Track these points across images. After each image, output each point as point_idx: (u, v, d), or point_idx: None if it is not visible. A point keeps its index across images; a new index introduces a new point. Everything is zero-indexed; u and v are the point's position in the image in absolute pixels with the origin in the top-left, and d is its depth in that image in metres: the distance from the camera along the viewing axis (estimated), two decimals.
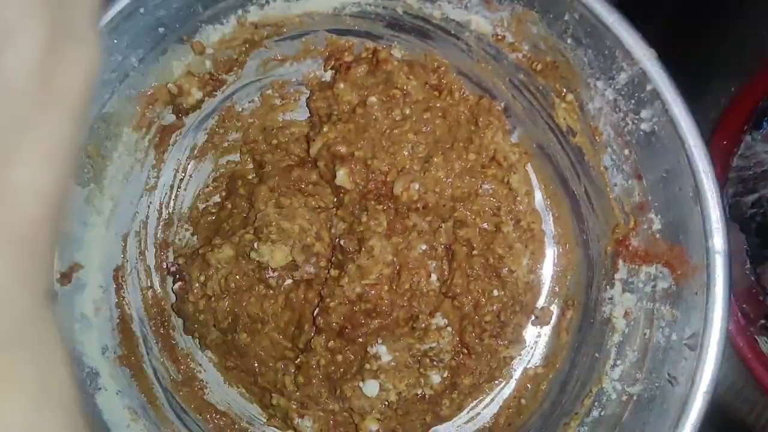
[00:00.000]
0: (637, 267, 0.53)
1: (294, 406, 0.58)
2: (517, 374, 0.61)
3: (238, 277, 0.58)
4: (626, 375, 0.52)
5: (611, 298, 0.55)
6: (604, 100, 0.51)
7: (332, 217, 0.58)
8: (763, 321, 0.72)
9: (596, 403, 0.53)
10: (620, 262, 0.54)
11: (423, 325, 0.55)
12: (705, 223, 0.48)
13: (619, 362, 0.53)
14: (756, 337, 0.72)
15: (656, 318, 0.51)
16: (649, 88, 0.49)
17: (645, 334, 0.51)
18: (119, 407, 0.56)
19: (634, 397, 0.51)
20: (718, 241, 0.47)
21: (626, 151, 0.52)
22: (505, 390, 0.61)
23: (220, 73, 0.59)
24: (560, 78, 0.53)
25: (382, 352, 0.54)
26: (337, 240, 0.56)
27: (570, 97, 0.53)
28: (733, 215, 0.74)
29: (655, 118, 0.49)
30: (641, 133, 0.50)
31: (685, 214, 0.49)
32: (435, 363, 0.56)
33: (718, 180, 0.49)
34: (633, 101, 0.50)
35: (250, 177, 0.62)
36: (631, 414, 0.51)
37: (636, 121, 0.50)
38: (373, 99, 0.57)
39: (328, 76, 0.61)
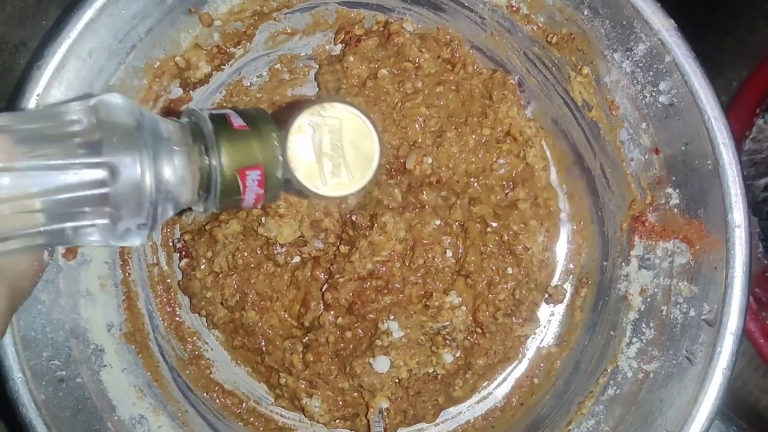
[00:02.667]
0: (653, 243, 0.52)
1: (302, 386, 0.57)
2: (530, 353, 0.60)
3: (246, 253, 0.57)
4: (642, 352, 0.51)
5: (627, 275, 0.54)
6: (622, 72, 0.51)
7: None
8: None
9: (611, 382, 0.52)
10: (636, 238, 0.53)
11: (437, 303, 0.54)
12: (724, 196, 0.47)
13: (635, 340, 0.52)
14: None
15: (674, 294, 0.50)
16: (667, 59, 0.48)
17: (662, 311, 0.51)
18: (125, 385, 0.55)
19: (651, 375, 0.50)
20: (737, 214, 0.47)
21: (644, 125, 0.51)
22: (518, 369, 0.60)
23: (228, 46, 0.58)
24: (576, 50, 0.52)
25: (394, 328, 0.53)
26: (349, 215, 0.55)
27: (586, 70, 0.52)
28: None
29: (673, 90, 0.48)
30: (659, 105, 0.49)
31: (704, 187, 0.48)
32: (448, 342, 0.55)
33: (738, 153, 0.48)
34: (651, 73, 0.49)
35: None
36: (648, 392, 0.50)
37: (654, 94, 0.50)
38: (384, 72, 0.56)
39: (338, 49, 0.60)
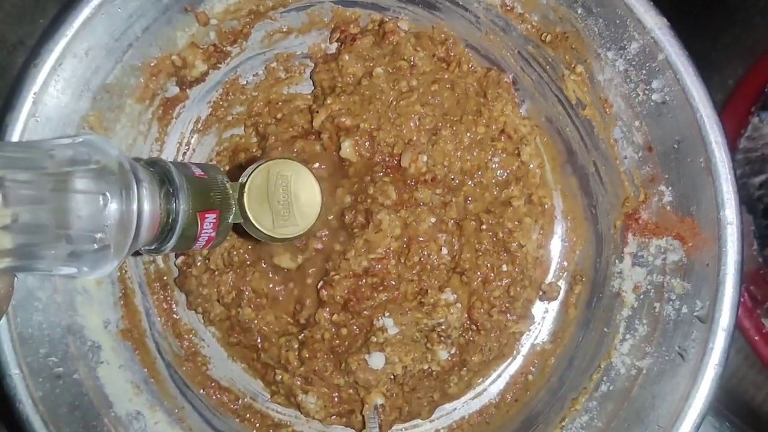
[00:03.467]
0: (647, 240, 0.52)
1: (298, 383, 0.57)
2: (524, 350, 0.60)
3: (241, 251, 0.57)
4: (636, 349, 0.52)
5: (620, 273, 0.54)
6: (615, 70, 0.51)
7: (336, 189, 0.57)
8: None
9: (605, 378, 0.53)
10: (630, 235, 0.53)
11: (432, 300, 0.54)
12: (716, 194, 0.47)
13: (628, 336, 0.52)
14: (762, 319, 0.71)
15: (666, 291, 0.50)
16: (660, 57, 0.48)
17: (655, 308, 0.51)
18: (121, 381, 0.55)
19: (644, 371, 0.51)
20: (729, 212, 0.47)
21: (637, 123, 0.51)
22: (512, 366, 0.60)
23: (224, 44, 0.59)
24: (570, 49, 0.53)
25: (389, 324, 0.54)
26: (343, 213, 0.55)
27: (580, 68, 0.53)
28: (740, 197, 0.74)
29: (666, 89, 0.49)
30: (652, 103, 0.50)
31: (696, 185, 0.48)
32: (443, 339, 0.55)
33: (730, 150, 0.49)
34: (644, 71, 0.49)
35: (253, 150, 0.61)
36: (641, 388, 0.50)
37: (647, 92, 0.50)
38: (379, 70, 0.56)
39: (333, 48, 0.60)
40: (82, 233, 0.35)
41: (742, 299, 0.69)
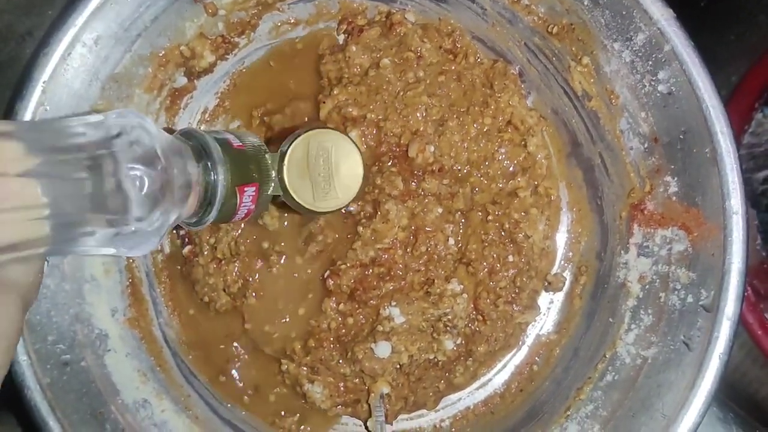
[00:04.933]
0: (652, 231, 0.52)
1: (304, 372, 0.57)
2: (529, 341, 0.60)
3: (248, 240, 0.57)
4: (641, 339, 0.52)
5: (626, 263, 0.54)
6: (621, 62, 0.51)
7: None
8: None
9: (610, 368, 0.53)
10: (635, 226, 0.54)
11: (438, 290, 0.54)
12: (722, 184, 0.48)
13: (633, 326, 0.53)
14: (766, 314, 0.71)
15: (672, 281, 0.51)
16: (666, 48, 0.49)
17: (660, 298, 0.51)
18: (128, 369, 0.55)
19: (649, 361, 0.51)
20: (735, 201, 0.47)
21: (643, 114, 0.51)
22: (518, 356, 0.60)
23: (232, 35, 0.59)
24: (576, 41, 0.53)
25: (395, 314, 0.54)
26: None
27: (586, 60, 0.53)
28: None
29: (672, 79, 0.49)
30: (658, 94, 0.50)
31: (702, 175, 0.49)
32: (449, 329, 0.55)
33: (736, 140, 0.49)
34: (650, 62, 0.50)
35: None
36: (646, 377, 0.51)
37: (653, 83, 0.50)
38: (386, 61, 0.56)
39: (340, 39, 0.61)
40: (121, 216, 0.34)
41: (746, 293, 0.70)
